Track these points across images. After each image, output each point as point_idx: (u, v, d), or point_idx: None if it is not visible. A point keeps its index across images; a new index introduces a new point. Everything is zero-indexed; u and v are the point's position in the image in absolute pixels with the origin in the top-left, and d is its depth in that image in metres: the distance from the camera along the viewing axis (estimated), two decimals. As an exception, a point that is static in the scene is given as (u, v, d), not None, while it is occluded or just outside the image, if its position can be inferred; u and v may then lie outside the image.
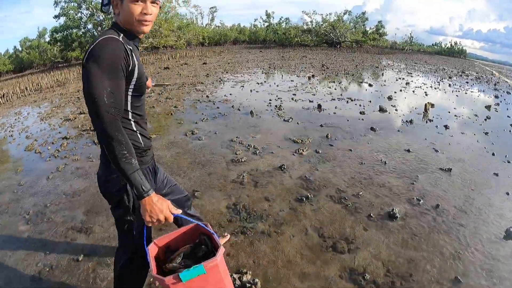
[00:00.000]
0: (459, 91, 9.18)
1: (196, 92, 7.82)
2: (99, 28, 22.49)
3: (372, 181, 3.17)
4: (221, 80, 9.72)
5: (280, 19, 36.57)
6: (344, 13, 31.31)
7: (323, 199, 2.81)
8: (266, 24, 35.82)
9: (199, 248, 1.29)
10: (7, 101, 9.19)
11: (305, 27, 32.09)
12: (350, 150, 3.99)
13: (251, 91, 7.89)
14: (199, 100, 6.81)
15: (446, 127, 5.19)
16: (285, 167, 3.41)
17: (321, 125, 5.03)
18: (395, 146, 4.18)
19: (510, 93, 9.42)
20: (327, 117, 5.58)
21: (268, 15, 35.44)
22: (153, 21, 1.24)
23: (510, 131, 5.20)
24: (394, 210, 2.58)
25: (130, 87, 1.20)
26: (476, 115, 6.19)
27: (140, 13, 1.18)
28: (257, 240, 2.29)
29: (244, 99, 6.92)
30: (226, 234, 2.32)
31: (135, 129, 1.29)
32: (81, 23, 22.38)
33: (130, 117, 1.27)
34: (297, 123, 5.15)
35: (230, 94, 7.44)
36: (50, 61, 27.11)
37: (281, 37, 32.06)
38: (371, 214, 2.57)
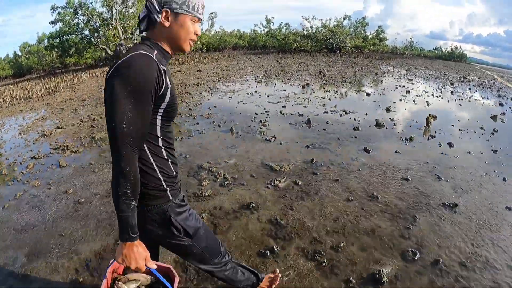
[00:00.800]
0: (462, 99, 8.65)
1: (180, 104, 7.31)
2: (96, 34, 22.23)
3: (358, 225, 2.58)
4: (210, 90, 9.22)
5: (280, 24, 36.29)
6: (344, 18, 30.95)
7: (293, 253, 2.23)
8: (266, 29, 35.44)
9: (156, 286, 1.24)
10: (-5, 110, 8.83)
11: (304, 32, 31.68)
12: (337, 180, 3.40)
13: (238, 102, 7.36)
14: (180, 114, 6.29)
15: (450, 145, 4.63)
16: (254, 205, 2.83)
17: (307, 146, 4.45)
18: (391, 173, 3.61)
19: (517, 102, 8.87)
20: (316, 135, 5.01)
21: (268, 21, 35.05)
22: None
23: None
24: (381, 272, 2.01)
25: (159, 111, 1.08)
26: (482, 128, 5.65)
27: (194, 33, 1.13)
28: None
29: (228, 113, 6.38)
30: None
31: (166, 157, 1.18)
32: (78, 29, 22.13)
33: (161, 144, 1.15)
34: (280, 143, 4.57)
35: (215, 107, 6.91)
36: (49, 67, 26.98)
37: (281, 43, 31.64)
38: (351, 278, 1.99)
